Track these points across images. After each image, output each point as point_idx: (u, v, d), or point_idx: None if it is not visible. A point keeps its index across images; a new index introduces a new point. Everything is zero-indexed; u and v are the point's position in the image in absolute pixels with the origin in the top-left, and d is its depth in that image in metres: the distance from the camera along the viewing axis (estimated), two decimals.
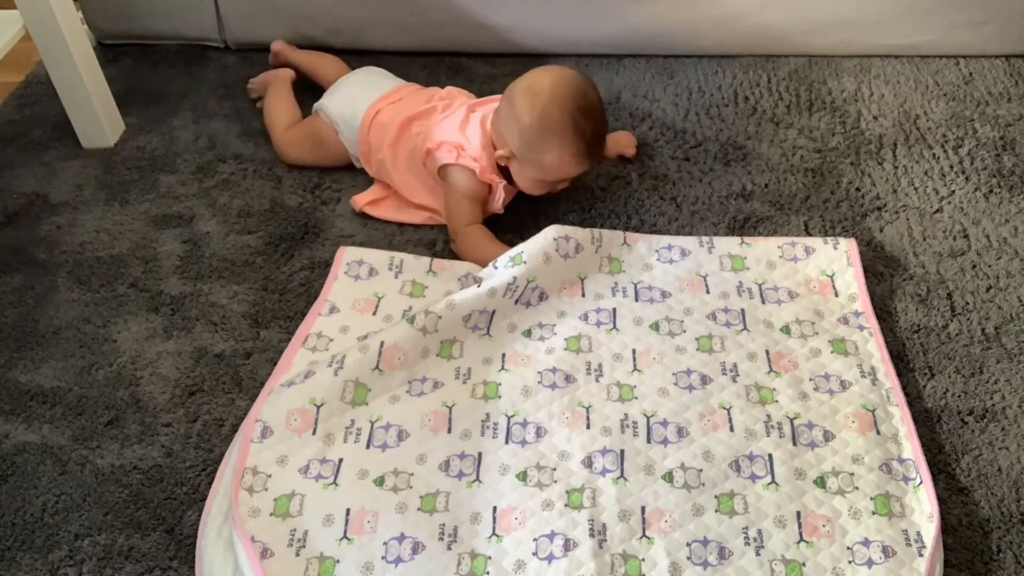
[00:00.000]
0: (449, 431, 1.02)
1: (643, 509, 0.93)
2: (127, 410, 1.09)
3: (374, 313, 1.17)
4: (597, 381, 1.06)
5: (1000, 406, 1.07)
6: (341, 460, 0.98)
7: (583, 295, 1.18)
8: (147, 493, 1.01)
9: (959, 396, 1.08)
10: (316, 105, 1.44)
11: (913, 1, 1.57)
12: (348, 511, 0.94)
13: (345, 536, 0.92)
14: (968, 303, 1.19)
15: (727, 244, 1.23)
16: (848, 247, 1.21)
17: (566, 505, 0.93)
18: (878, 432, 1.00)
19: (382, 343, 1.06)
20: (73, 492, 1.01)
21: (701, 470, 0.96)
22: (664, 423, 1.01)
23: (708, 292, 1.17)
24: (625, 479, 0.95)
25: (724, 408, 1.02)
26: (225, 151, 1.48)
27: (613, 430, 1.00)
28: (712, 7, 1.59)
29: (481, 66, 1.65)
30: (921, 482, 0.95)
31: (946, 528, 0.95)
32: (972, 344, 1.14)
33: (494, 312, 1.13)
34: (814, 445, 0.99)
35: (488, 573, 0.89)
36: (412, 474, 0.97)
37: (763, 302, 1.16)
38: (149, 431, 1.07)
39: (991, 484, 0.99)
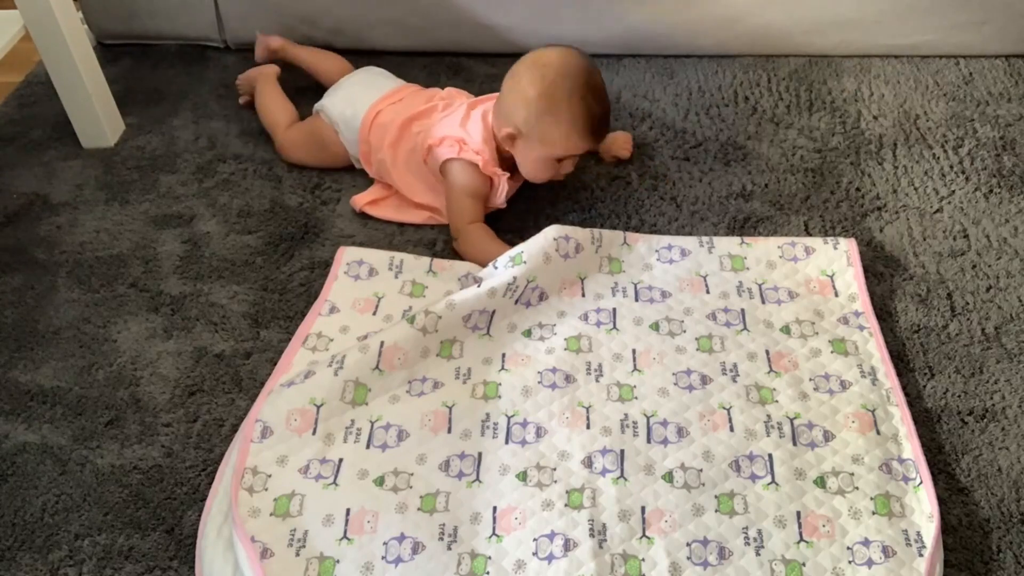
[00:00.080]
0: (449, 431, 1.02)
1: (643, 509, 0.93)
2: (127, 410, 1.09)
3: (374, 313, 1.17)
4: (597, 381, 1.06)
5: (1000, 406, 1.07)
6: (341, 460, 0.98)
7: (583, 295, 1.18)
8: (147, 493, 1.01)
9: (959, 396, 1.08)
10: (317, 106, 1.44)
11: (913, 1, 1.57)
12: (348, 511, 0.94)
13: (345, 536, 0.92)
14: (968, 303, 1.19)
15: (727, 244, 1.23)
16: (848, 247, 1.21)
17: (566, 505, 0.93)
18: (878, 432, 1.00)
19: (382, 343, 1.06)
20: (73, 492, 1.01)
21: (701, 470, 0.96)
22: (664, 423, 1.01)
23: (708, 292, 1.17)
24: (625, 479, 0.95)
25: (724, 408, 1.02)
26: (225, 151, 1.48)
27: (613, 430, 1.00)
28: (712, 7, 1.59)
29: (481, 66, 1.65)
30: (921, 482, 0.95)
31: (946, 528, 0.95)
32: (972, 344, 1.14)
33: (494, 312, 1.13)
34: (814, 445, 0.99)
35: (488, 573, 0.89)
36: (412, 474, 0.97)
37: (763, 302, 1.16)
38: (149, 431, 1.07)
39: (991, 484, 0.99)
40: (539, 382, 1.06)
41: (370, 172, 1.38)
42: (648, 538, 0.91)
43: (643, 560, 0.89)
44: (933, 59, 1.63)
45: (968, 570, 0.92)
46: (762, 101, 1.55)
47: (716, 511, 0.93)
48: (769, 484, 0.95)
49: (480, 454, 0.99)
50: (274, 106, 1.48)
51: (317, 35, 1.64)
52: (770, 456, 0.97)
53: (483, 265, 1.21)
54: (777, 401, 1.03)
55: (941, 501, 0.96)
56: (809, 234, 1.30)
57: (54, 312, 1.21)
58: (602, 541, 0.90)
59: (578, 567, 0.88)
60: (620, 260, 1.22)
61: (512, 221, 1.31)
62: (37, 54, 1.42)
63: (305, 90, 1.53)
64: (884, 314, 1.18)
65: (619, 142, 1.43)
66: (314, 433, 1.00)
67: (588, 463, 0.97)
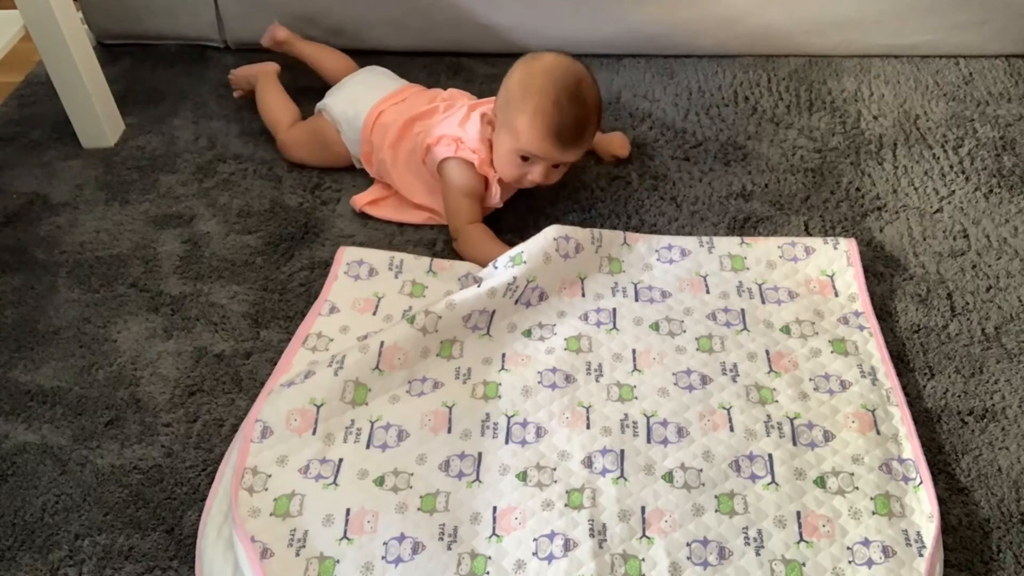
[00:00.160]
0: (449, 431, 1.02)
1: (643, 509, 0.93)
2: (127, 410, 1.09)
3: (374, 313, 1.17)
4: (597, 381, 1.06)
5: (1000, 406, 1.07)
6: (341, 460, 0.98)
7: (583, 295, 1.18)
8: (147, 493, 1.01)
9: (959, 396, 1.08)
10: (319, 105, 1.44)
11: (913, 1, 1.57)
12: (348, 511, 0.94)
13: (345, 536, 0.92)
14: (968, 303, 1.19)
15: (727, 244, 1.23)
16: (848, 247, 1.21)
17: (566, 505, 0.93)
18: (878, 432, 1.00)
19: (382, 343, 1.06)
20: (73, 492, 1.01)
21: (701, 470, 0.96)
22: (664, 423, 1.01)
23: (708, 292, 1.17)
24: (625, 479, 0.95)
25: (724, 408, 1.02)
26: (225, 151, 1.48)
27: (613, 430, 1.00)
28: (712, 7, 1.59)
29: (481, 66, 1.65)
30: (921, 482, 0.95)
31: (946, 528, 0.95)
32: (972, 344, 1.14)
33: (494, 312, 1.13)
34: (814, 445, 0.99)
35: (488, 573, 0.89)
36: (412, 474, 0.97)
37: (763, 302, 1.16)
38: (149, 431, 1.07)
39: (991, 484, 0.99)
40: (539, 382, 1.06)
41: (371, 172, 1.38)
42: (648, 538, 0.91)
43: (643, 560, 0.89)
44: (933, 59, 1.63)
45: (968, 570, 0.92)
46: (762, 101, 1.55)
47: (716, 511, 0.93)
48: (769, 484, 0.95)
49: (480, 454, 0.99)
50: (276, 105, 1.48)
51: (317, 35, 1.64)
52: (770, 456, 0.97)
53: (483, 265, 1.21)
54: (777, 401, 1.03)
55: (941, 501, 0.96)
56: (809, 234, 1.30)
57: (54, 312, 1.21)
58: (602, 541, 0.90)
59: (578, 567, 0.88)
60: (620, 260, 1.22)
61: (512, 221, 1.31)
62: (37, 54, 1.42)
63: (308, 89, 1.53)
64: (884, 314, 1.18)
65: (616, 142, 1.43)
66: (314, 433, 1.00)
67: (588, 463, 0.97)
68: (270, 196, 1.39)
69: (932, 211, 1.33)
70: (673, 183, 1.39)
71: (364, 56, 1.57)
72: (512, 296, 1.14)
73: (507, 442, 1.00)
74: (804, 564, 0.89)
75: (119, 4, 1.66)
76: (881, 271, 1.24)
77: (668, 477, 0.96)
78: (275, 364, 1.11)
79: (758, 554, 0.89)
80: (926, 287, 1.21)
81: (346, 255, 1.24)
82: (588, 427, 1.01)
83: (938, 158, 1.42)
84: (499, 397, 1.05)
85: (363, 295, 1.19)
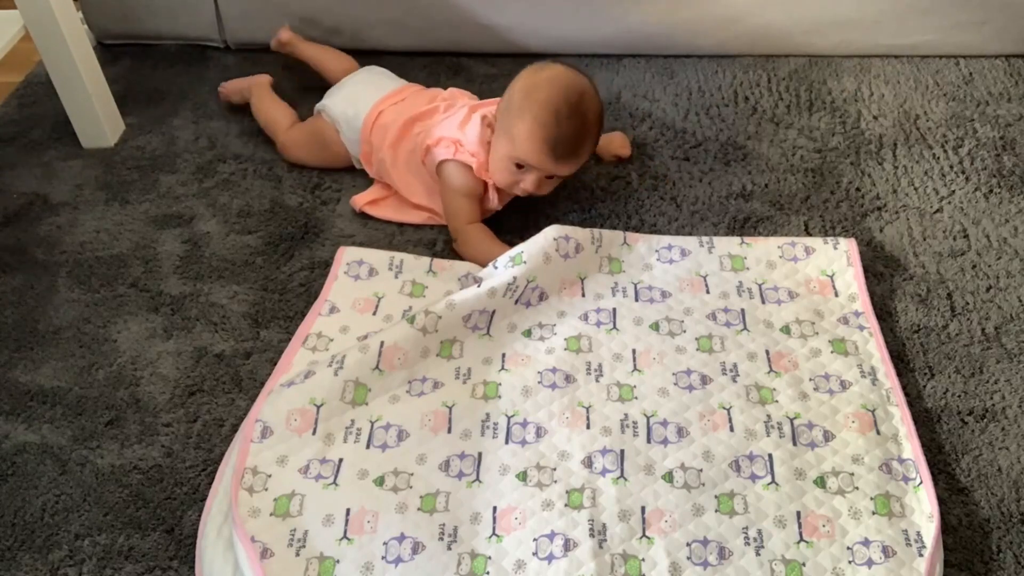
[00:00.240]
0: (449, 431, 1.02)
1: (643, 509, 0.93)
2: (127, 410, 1.09)
3: (374, 313, 1.17)
4: (597, 381, 1.06)
5: (1000, 406, 1.07)
6: (341, 460, 0.98)
7: (583, 295, 1.18)
8: (147, 493, 1.01)
9: (959, 396, 1.08)
10: (318, 105, 1.44)
11: (913, 1, 1.57)
12: (348, 511, 0.94)
13: (345, 536, 0.92)
14: (968, 303, 1.19)
15: (727, 244, 1.23)
16: (848, 247, 1.21)
17: (566, 505, 0.93)
18: (878, 432, 1.00)
19: (382, 343, 1.06)
20: (73, 492, 1.01)
21: (701, 470, 0.96)
22: (664, 423, 1.01)
23: (708, 292, 1.17)
24: (625, 479, 0.95)
25: (724, 408, 1.02)
26: (225, 151, 1.48)
27: (613, 430, 1.00)
28: (712, 7, 1.59)
29: (481, 66, 1.65)
30: (921, 482, 0.95)
31: (946, 528, 0.95)
32: (972, 344, 1.14)
33: (494, 312, 1.13)
34: (814, 445, 0.99)
35: (488, 573, 0.89)
36: (412, 474, 0.97)
37: (763, 302, 1.16)
38: (149, 431, 1.07)
39: (991, 484, 0.99)
40: (539, 382, 1.06)
41: (370, 172, 1.38)
42: (648, 538, 0.91)
43: (643, 560, 0.89)
44: (933, 59, 1.63)
45: (968, 570, 0.92)
46: (762, 101, 1.55)
47: (716, 511, 0.93)
48: (769, 484, 0.95)
49: (480, 454, 0.99)
50: (272, 110, 1.48)
51: (317, 35, 1.64)
52: (770, 456, 0.97)
53: (483, 265, 1.21)
54: (777, 401, 1.03)
55: (941, 501, 0.96)
56: (809, 234, 1.30)
57: (54, 312, 1.21)
58: (602, 541, 0.90)
59: (578, 567, 0.88)
60: (620, 260, 1.22)
61: (512, 221, 1.31)
62: (37, 54, 1.42)
63: (309, 89, 1.53)
64: (884, 314, 1.18)
65: (617, 141, 1.43)
66: (314, 433, 1.00)
67: (588, 463, 0.97)
68: (270, 196, 1.39)
69: (932, 211, 1.33)
70: (673, 183, 1.39)
71: (364, 56, 1.57)
72: (512, 296, 1.14)
73: (507, 442, 1.00)
74: (804, 564, 0.89)
75: (119, 4, 1.66)
76: (881, 271, 1.24)
77: (668, 477, 0.96)
78: (275, 364, 1.11)
79: (758, 554, 0.89)
80: (926, 287, 1.21)
81: (346, 255, 1.24)
82: (588, 427, 1.01)
83: (938, 158, 1.42)
84: (499, 397, 1.05)
85: (363, 295, 1.19)
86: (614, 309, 1.15)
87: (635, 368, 1.08)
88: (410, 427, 1.02)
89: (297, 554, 0.90)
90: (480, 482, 0.97)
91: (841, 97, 1.55)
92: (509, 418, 1.03)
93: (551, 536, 0.91)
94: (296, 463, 0.98)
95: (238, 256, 1.29)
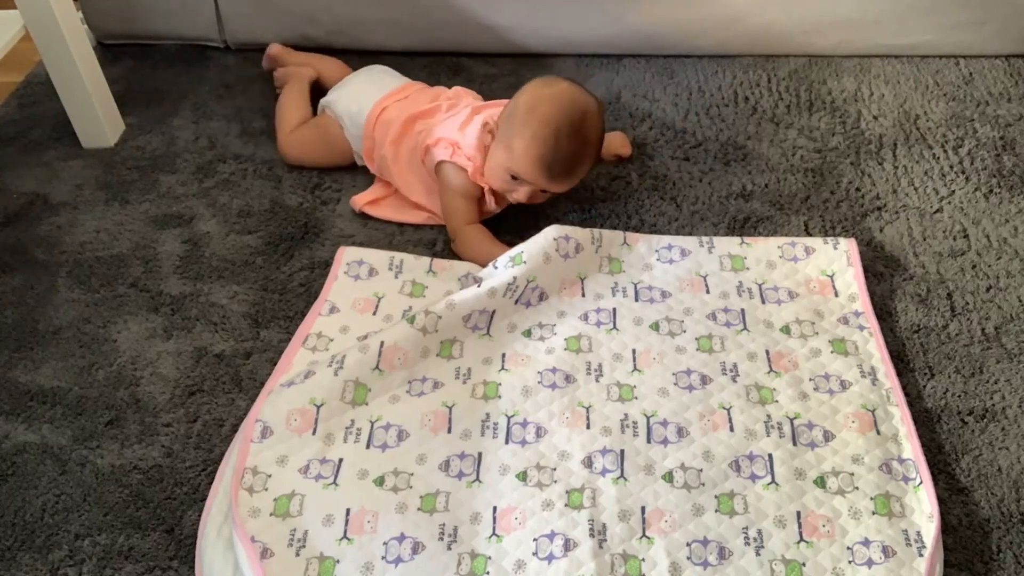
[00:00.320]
0: (449, 431, 1.02)
1: (643, 509, 0.93)
2: (127, 410, 1.09)
3: (374, 313, 1.17)
4: (597, 381, 1.06)
5: (1000, 406, 1.07)
6: (341, 460, 0.98)
7: (583, 295, 1.18)
8: (147, 493, 1.01)
9: (959, 396, 1.08)
10: (323, 101, 1.44)
11: (913, 1, 1.57)
12: (348, 511, 0.94)
13: (345, 536, 0.92)
14: (968, 303, 1.19)
15: (727, 244, 1.23)
16: (848, 247, 1.21)
17: (566, 505, 0.93)
18: (878, 432, 1.00)
19: (382, 343, 1.06)
20: (73, 492, 1.01)
21: (701, 470, 0.96)
22: (664, 423, 1.01)
23: (708, 292, 1.17)
24: (625, 479, 0.95)
25: (724, 408, 1.02)
26: (225, 151, 1.48)
27: (613, 430, 1.00)
28: (712, 7, 1.59)
29: (481, 66, 1.65)
30: (921, 482, 0.95)
31: (946, 528, 0.95)
32: (972, 344, 1.14)
33: (494, 312, 1.13)
34: (814, 445, 0.99)
35: (488, 573, 0.89)
36: (412, 474, 0.97)
37: (763, 302, 1.16)
38: (149, 431, 1.07)
39: (991, 484, 0.99)
40: (539, 382, 1.06)
41: (372, 169, 1.38)
42: (648, 538, 0.91)
43: (643, 560, 0.89)
44: (933, 59, 1.63)
45: (968, 570, 0.92)
46: (762, 101, 1.55)
47: (716, 511, 0.93)
48: (769, 484, 0.95)
49: (480, 454, 0.99)
50: (290, 107, 1.46)
51: (317, 35, 1.64)
52: (770, 456, 0.97)
53: (482, 265, 1.21)
54: (777, 401, 1.03)
55: (941, 501, 0.96)
56: (809, 234, 1.30)
57: (54, 312, 1.21)
58: (602, 541, 0.90)
59: (578, 567, 0.88)
60: (620, 260, 1.22)
61: (512, 221, 1.31)
62: (37, 54, 1.42)
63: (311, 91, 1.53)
64: (884, 314, 1.18)
65: (617, 141, 1.43)
66: (314, 433, 1.00)
67: (588, 463, 0.97)
68: (270, 196, 1.39)
69: (932, 211, 1.33)
70: (673, 183, 1.39)
71: (365, 57, 1.57)
72: (512, 296, 1.14)
73: (507, 442, 1.00)
74: (804, 564, 0.89)
75: (119, 4, 1.66)
76: (881, 271, 1.24)
77: (668, 477, 0.96)
78: (275, 364, 1.11)
79: (758, 554, 0.89)
80: (926, 287, 1.21)
81: (346, 255, 1.24)
82: (588, 427, 1.01)
83: (938, 158, 1.42)
84: (499, 397, 1.05)
85: (363, 295, 1.19)
86: (614, 309, 1.15)
87: (635, 368, 1.08)
88: (410, 427, 1.02)
89: (297, 554, 0.90)
90: (480, 482, 0.97)
91: (841, 97, 1.55)
92: (509, 418, 1.03)
93: (551, 536, 0.91)
94: (296, 463, 0.98)
95: (238, 256, 1.29)
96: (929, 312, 1.18)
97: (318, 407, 1.01)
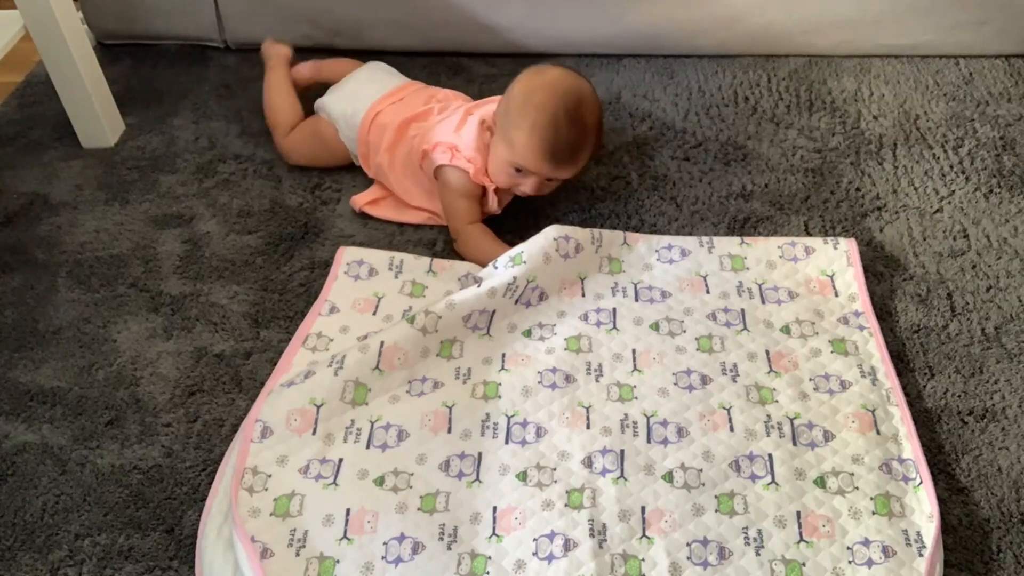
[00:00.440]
0: (449, 431, 1.02)
1: (643, 509, 0.93)
2: (127, 410, 1.09)
3: (374, 313, 1.17)
4: (597, 381, 1.06)
5: (1000, 406, 1.07)
6: (341, 460, 0.98)
7: (583, 295, 1.18)
8: (147, 493, 1.01)
9: (959, 396, 1.08)
10: (317, 104, 1.44)
11: (913, 1, 1.57)
12: (348, 511, 0.94)
13: (345, 536, 0.92)
14: (968, 303, 1.19)
15: (727, 244, 1.23)
16: (848, 247, 1.21)
17: (566, 505, 0.93)
18: (878, 432, 1.00)
19: (382, 343, 1.06)
20: (73, 492, 1.01)
21: (701, 470, 0.96)
22: (664, 423, 1.01)
23: (708, 292, 1.17)
24: (625, 479, 0.95)
25: (724, 408, 1.02)
26: (225, 151, 1.48)
27: (613, 430, 1.00)
28: (712, 7, 1.59)
29: (481, 66, 1.65)
30: (921, 482, 0.95)
31: (946, 528, 0.95)
32: (972, 344, 1.14)
33: (494, 312, 1.13)
34: (814, 445, 0.99)
35: (488, 573, 0.89)
36: (412, 474, 0.97)
37: (763, 302, 1.16)
38: (149, 431, 1.07)
39: (991, 484, 0.99)
40: (539, 382, 1.06)
41: (369, 173, 1.38)
42: (648, 538, 0.91)
43: (643, 560, 0.89)
44: (933, 59, 1.63)
45: (968, 570, 0.92)
46: (762, 101, 1.55)
47: (716, 511, 0.93)
48: (769, 484, 0.95)
49: (480, 454, 0.99)
50: (279, 107, 1.45)
51: (317, 35, 1.64)
52: (770, 456, 0.97)
53: (483, 265, 1.21)
54: (777, 401, 1.03)
55: (941, 501, 0.96)
56: (809, 234, 1.30)
57: (54, 312, 1.21)
58: (602, 541, 0.90)
59: (578, 567, 0.88)
60: (620, 260, 1.22)
61: (512, 221, 1.31)
62: (37, 54, 1.42)
63: (310, 92, 1.53)
64: (884, 314, 1.18)
65: None
66: (314, 433, 1.00)
67: (588, 463, 0.97)
68: (270, 196, 1.39)
69: (932, 211, 1.33)
70: (673, 183, 1.39)
71: (364, 57, 1.57)
72: (512, 296, 1.14)
73: (507, 442, 1.00)
74: (804, 564, 0.89)
75: (119, 4, 1.66)
76: (881, 271, 1.24)
77: (668, 477, 0.96)
78: (275, 364, 1.11)
79: (758, 554, 0.89)
80: (926, 287, 1.21)
81: (346, 255, 1.24)
82: (588, 427, 1.01)
83: (938, 158, 1.42)
84: (499, 397, 1.05)
85: (363, 295, 1.19)
86: (614, 309, 1.15)
87: (635, 368, 1.08)
88: (410, 427, 1.02)
89: (297, 554, 0.90)
90: (480, 482, 0.97)
91: (841, 97, 1.55)
92: (509, 418, 1.03)
93: (551, 536, 0.91)
94: (296, 463, 0.98)
95: (238, 256, 1.29)
96: (929, 312, 1.18)
97: (318, 407, 1.01)
